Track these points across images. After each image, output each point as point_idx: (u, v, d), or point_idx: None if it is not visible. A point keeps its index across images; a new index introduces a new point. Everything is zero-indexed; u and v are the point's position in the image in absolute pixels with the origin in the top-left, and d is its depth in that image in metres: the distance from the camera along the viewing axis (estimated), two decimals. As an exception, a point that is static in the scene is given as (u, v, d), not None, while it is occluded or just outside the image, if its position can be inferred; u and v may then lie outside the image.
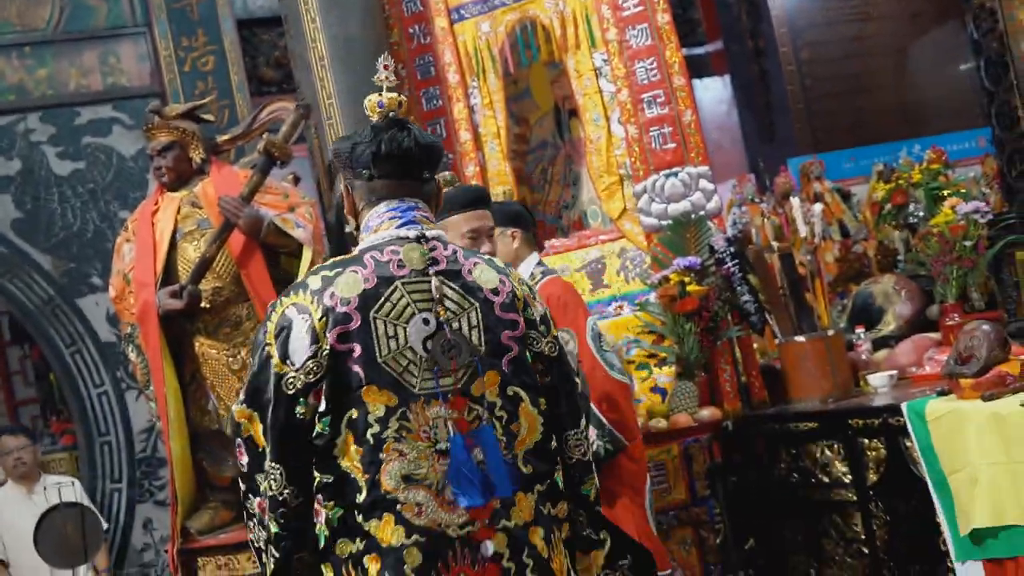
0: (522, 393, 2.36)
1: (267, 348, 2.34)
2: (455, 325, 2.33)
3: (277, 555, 2.35)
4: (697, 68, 8.88)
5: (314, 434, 2.30)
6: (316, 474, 2.31)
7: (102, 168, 7.47)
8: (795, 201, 5.06)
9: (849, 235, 6.70)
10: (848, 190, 7.55)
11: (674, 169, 5.05)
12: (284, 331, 2.33)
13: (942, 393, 3.92)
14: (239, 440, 2.40)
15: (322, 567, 2.33)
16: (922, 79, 8.63)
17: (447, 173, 4.33)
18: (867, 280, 5.67)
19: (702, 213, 5.04)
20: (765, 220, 5.64)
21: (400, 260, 2.37)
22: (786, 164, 7.50)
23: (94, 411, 7.36)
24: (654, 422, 4.76)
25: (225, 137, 4.80)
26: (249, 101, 7.42)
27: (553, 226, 5.87)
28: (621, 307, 5.23)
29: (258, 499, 2.39)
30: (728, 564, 4.75)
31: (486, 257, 2.52)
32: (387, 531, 2.25)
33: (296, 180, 4.98)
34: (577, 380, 2.60)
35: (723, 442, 4.79)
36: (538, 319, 2.46)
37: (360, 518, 2.27)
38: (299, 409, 2.30)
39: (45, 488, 6.35)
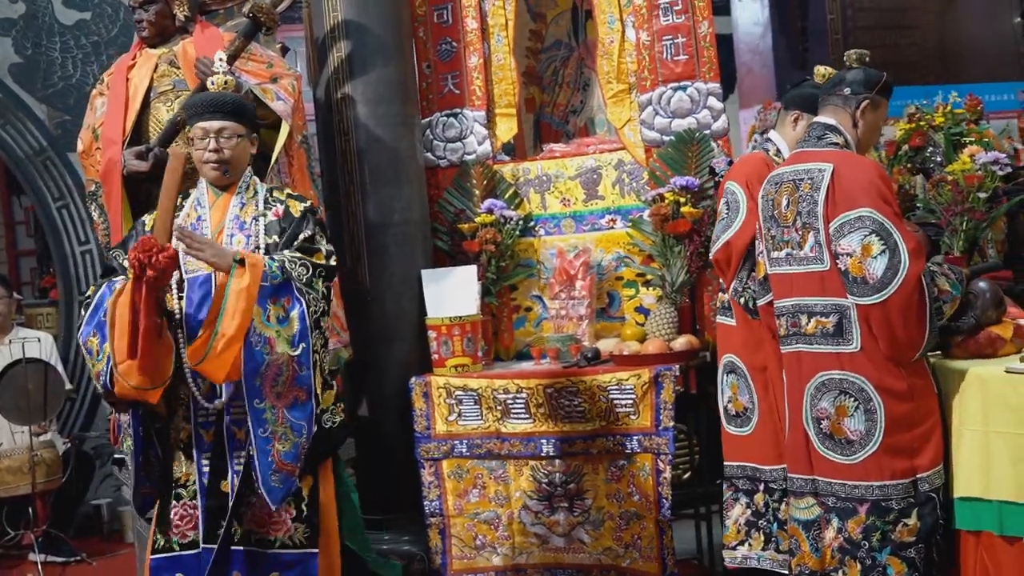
0: None
1: None
2: None
3: None
4: (736, -14, 8.55)
5: None
6: None
7: (108, 21, 7.23)
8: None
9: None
10: (876, 129, 7.26)
11: (683, 83, 4.79)
12: None
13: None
14: None
15: None
16: (967, 24, 8.25)
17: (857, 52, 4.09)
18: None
19: (707, 132, 4.79)
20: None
21: None
22: (815, 95, 7.18)
23: (76, 268, 7.21)
24: (627, 344, 4.57)
25: (213, -4, 4.57)
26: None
27: (559, 130, 5.65)
28: (614, 221, 5.02)
29: None
30: (688, 498, 4.60)
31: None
32: None
33: (284, 51, 4.74)
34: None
35: (700, 373, 4.60)
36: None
37: None
38: None
39: (11, 342, 6.24)
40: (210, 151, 3.71)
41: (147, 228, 3.74)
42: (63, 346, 7.05)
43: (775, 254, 3.79)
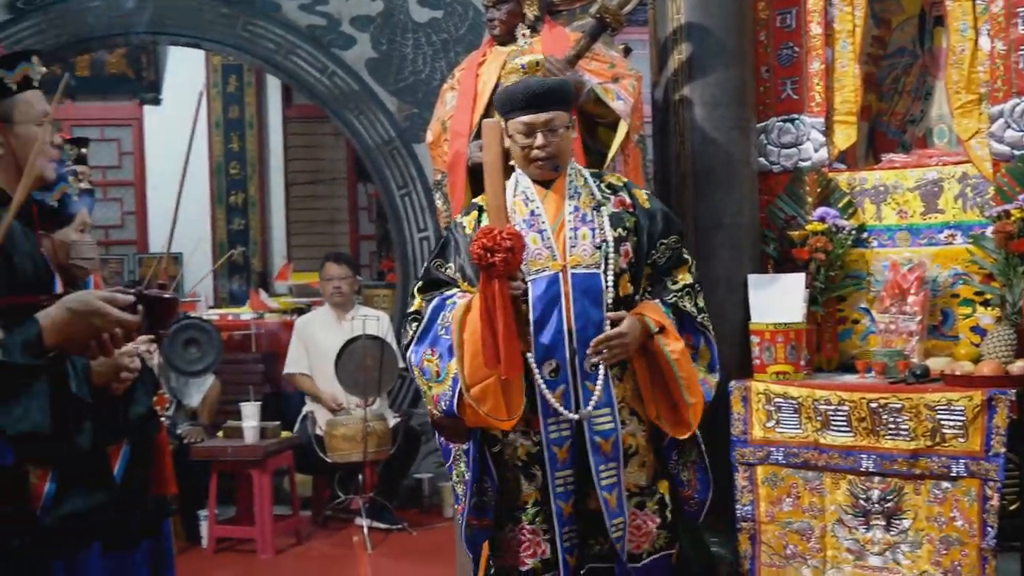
0: None
1: None
2: None
3: None
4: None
5: None
6: None
7: (458, 20, 7.59)
8: None
9: None
10: None
11: (1040, 96, 4.56)
12: None
13: None
14: None
15: None
16: None
17: None
18: None
19: (1065, 149, 4.54)
20: None
21: None
22: None
23: (414, 254, 7.62)
24: (959, 364, 4.40)
25: (562, -3, 4.73)
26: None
27: (895, 140, 5.47)
28: (953, 236, 4.82)
29: None
30: (1010, 531, 4.37)
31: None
32: None
33: (627, 52, 4.83)
34: None
35: (1037, 400, 4.36)
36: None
37: None
38: None
39: (353, 318, 6.66)
40: (537, 147, 3.47)
41: (466, 231, 3.58)
42: (397, 327, 7.45)
43: None
